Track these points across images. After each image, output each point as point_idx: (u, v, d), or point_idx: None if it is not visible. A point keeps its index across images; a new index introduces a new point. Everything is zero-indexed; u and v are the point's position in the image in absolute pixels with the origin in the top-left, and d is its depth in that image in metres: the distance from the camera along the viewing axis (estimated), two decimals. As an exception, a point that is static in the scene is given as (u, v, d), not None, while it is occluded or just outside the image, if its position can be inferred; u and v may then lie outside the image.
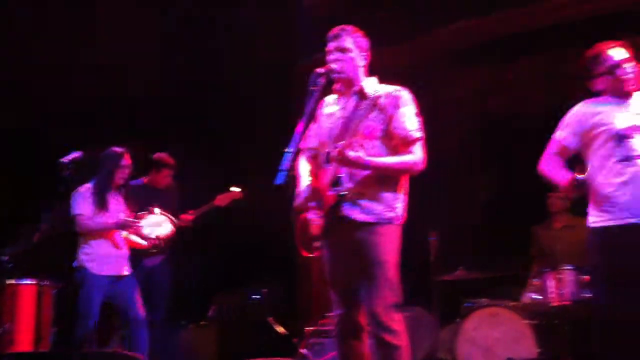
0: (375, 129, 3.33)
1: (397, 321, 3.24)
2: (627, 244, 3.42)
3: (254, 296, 5.88)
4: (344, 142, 3.17)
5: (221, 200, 5.64)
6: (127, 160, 5.15)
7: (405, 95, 3.38)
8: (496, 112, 6.31)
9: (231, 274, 6.23)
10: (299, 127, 3.21)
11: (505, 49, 5.98)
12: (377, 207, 3.30)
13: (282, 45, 6.16)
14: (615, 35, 4.05)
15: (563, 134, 3.64)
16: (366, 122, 3.31)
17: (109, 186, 5.13)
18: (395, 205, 3.34)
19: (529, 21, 5.77)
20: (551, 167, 3.67)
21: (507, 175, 6.16)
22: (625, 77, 3.50)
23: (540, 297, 5.17)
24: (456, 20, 5.85)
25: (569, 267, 5.14)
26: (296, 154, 3.19)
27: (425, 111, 3.41)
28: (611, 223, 3.49)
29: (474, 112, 6.45)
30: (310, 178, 3.46)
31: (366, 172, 3.31)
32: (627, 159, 3.44)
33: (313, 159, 3.59)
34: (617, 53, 3.54)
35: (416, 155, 3.31)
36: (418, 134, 3.32)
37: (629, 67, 3.51)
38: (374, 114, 3.33)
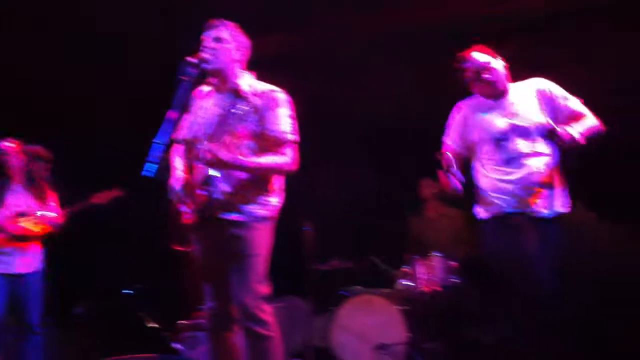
0: (249, 129, 3.27)
1: (267, 312, 3.25)
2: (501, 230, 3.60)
3: (125, 291, 5.69)
4: (217, 143, 3.08)
5: (99, 197, 5.42)
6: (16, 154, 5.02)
7: (280, 96, 3.33)
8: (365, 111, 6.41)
9: (101, 268, 5.99)
10: (169, 117, 3.10)
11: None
12: (248, 207, 3.27)
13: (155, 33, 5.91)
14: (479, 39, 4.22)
15: (450, 139, 3.79)
16: (240, 122, 3.26)
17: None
18: (268, 203, 3.32)
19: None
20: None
21: (380, 167, 6.28)
22: (491, 79, 3.61)
23: (411, 284, 5.32)
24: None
25: (438, 254, 5.33)
26: (166, 145, 3.07)
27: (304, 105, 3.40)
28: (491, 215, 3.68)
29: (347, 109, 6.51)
30: (183, 171, 3.37)
31: (238, 172, 3.26)
32: (507, 161, 3.58)
33: (187, 152, 3.49)
34: (480, 57, 3.65)
35: (288, 157, 3.28)
36: (291, 137, 3.28)
37: (493, 69, 3.63)
38: (248, 114, 3.27)
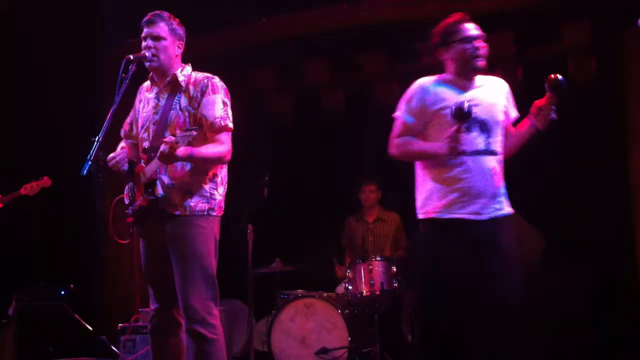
0: (188, 119, 3.25)
1: (213, 315, 3.22)
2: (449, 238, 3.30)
3: (59, 292, 5.55)
4: (171, 138, 3.04)
5: (28, 189, 5.30)
6: None
7: (215, 82, 3.32)
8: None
9: (34, 268, 5.84)
10: (109, 115, 3.07)
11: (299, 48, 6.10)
12: (191, 200, 3.24)
13: (90, 28, 5.83)
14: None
15: (406, 115, 3.39)
16: (179, 113, 3.24)
17: None
18: (211, 197, 3.29)
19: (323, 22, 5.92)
20: (409, 146, 3.39)
21: (320, 168, 6.31)
22: (477, 51, 3.32)
23: (352, 288, 5.36)
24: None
25: (379, 259, 5.38)
26: (104, 143, 3.03)
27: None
28: (439, 215, 3.31)
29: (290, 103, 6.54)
30: (127, 167, 3.32)
31: (179, 164, 3.23)
32: (462, 152, 3.26)
33: (132, 149, 3.48)
34: (474, 28, 3.38)
35: (224, 145, 3.25)
36: (224, 122, 3.25)
37: (482, 43, 3.35)
38: (184, 104, 3.26)
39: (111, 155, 3.31)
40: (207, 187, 3.28)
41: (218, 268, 3.30)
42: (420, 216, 3.41)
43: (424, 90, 3.37)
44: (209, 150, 3.22)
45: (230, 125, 3.28)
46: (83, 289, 5.71)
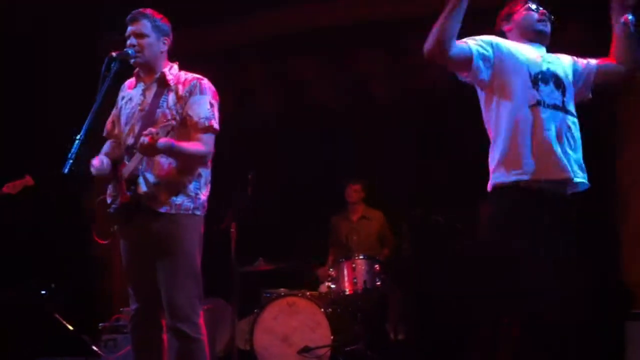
0: (175, 117, 3.23)
1: (198, 314, 3.21)
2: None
3: (41, 291, 5.50)
4: (152, 130, 3.03)
5: (10, 188, 5.24)
6: None
7: (204, 83, 3.31)
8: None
9: (16, 266, 5.78)
10: (91, 113, 3.04)
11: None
12: (177, 199, 3.22)
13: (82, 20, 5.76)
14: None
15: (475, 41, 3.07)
16: (166, 111, 3.23)
17: None
18: (196, 195, 3.28)
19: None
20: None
21: (306, 167, 6.30)
22: (540, 15, 3.19)
23: (335, 286, 5.36)
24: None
25: (362, 257, 5.39)
26: (86, 141, 3.00)
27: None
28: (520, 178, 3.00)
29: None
30: (110, 166, 3.31)
31: (166, 163, 3.22)
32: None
33: (115, 147, 3.46)
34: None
35: (207, 145, 3.25)
36: (209, 123, 3.24)
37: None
38: (172, 102, 3.25)
39: (95, 162, 3.28)
40: (191, 186, 3.27)
41: (201, 266, 3.29)
42: None
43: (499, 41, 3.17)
44: (189, 146, 3.21)
45: (216, 126, 3.28)
46: (66, 288, 5.66)
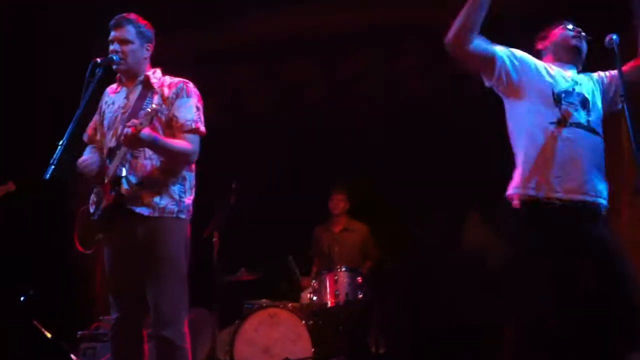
0: (158, 121, 3.23)
1: (182, 323, 3.20)
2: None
3: (20, 297, 5.45)
4: (134, 121, 3.02)
5: None
6: None
7: (190, 87, 3.33)
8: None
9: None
10: (74, 119, 3.03)
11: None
12: (161, 201, 3.21)
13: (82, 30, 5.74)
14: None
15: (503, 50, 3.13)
16: (143, 113, 3.20)
17: None
18: (180, 199, 3.27)
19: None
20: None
21: (289, 177, 6.30)
22: (575, 32, 3.27)
23: (317, 298, 5.35)
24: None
25: (344, 269, 5.39)
26: (69, 147, 2.99)
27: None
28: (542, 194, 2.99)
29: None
30: (98, 164, 3.31)
31: (149, 164, 3.21)
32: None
33: (96, 153, 3.43)
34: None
35: (192, 145, 3.24)
36: (195, 125, 3.25)
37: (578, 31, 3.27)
38: (157, 104, 3.24)
39: (83, 158, 3.29)
40: (175, 188, 3.26)
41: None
42: None
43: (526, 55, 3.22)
44: (175, 142, 3.21)
45: (202, 128, 3.29)
46: (46, 295, 5.61)
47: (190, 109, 3.26)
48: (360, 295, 5.31)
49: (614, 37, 3.05)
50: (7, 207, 5.29)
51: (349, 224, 6.10)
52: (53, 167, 2.85)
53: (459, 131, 5.73)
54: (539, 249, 2.91)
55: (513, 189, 3.06)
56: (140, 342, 3.28)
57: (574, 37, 3.23)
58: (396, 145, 6.14)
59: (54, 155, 2.91)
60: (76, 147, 3.32)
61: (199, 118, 3.28)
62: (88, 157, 3.31)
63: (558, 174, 2.96)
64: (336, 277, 5.33)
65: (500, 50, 3.10)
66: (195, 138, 3.26)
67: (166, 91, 3.28)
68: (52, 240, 5.57)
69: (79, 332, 4.93)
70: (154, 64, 3.41)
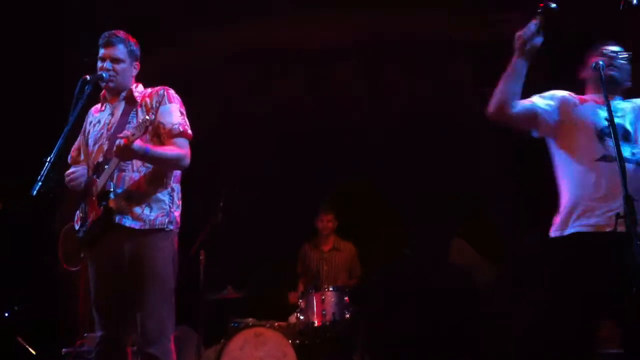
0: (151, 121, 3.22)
1: (169, 339, 3.18)
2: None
3: (4, 313, 5.40)
4: (126, 132, 3.03)
5: None
6: None
7: (171, 93, 3.35)
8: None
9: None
10: (62, 135, 3.03)
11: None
12: (151, 213, 3.21)
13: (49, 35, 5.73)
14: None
15: (539, 98, 3.20)
16: (135, 124, 3.19)
17: None
18: (169, 208, 3.27)
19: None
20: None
21: (276, 194, 6.30)
22: (611, 61, 3.20)
23: (304, 318, 5.33)
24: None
25: (332, 289, 5.38)
26: (55, 163, 2.98)
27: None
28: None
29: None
30: (80, 185, 3.30)
31: (136, 176, 3.21)
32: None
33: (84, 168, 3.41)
34: (614, 45, 3.28)
35: (182, 149, 3.25)
36: (183, 128, 3.27)
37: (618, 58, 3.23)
38: (142, 115, 3.25)
39: (70, 170, 3.30)
40: (165, 199, 3.26)
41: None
42: None
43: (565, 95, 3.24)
44: (165, 150, 3.22)
45: (189, 131, 3.30)
46: (29, 311, 5.56)
47: (175, 114, 3.28)
48: (347, 315, 5.30)
49: (601, 62, 3.09)
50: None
51: (337, 243, 6.10)
52: (40, 183, 2.85)
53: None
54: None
55: (559, 225, 3.08)
56: (124, 358, 3.26)
57: (608, 65, 3.17)
58: (388, 157, 6.16)
59: (42, 171, 2.91)
60: (64, 163, 3.32)
61: (185, 121, 3.30)
62: (75, 169, 3.31)
63: (608, 209, 2.97)
64: (323, 297, 5.31)
65: (539, 102, 3.17)
66: (184, 142, 3.27)
67: (148, 101, 3.30)
68: (38, 256, 5.54)
69: (63, 349, 4.89)
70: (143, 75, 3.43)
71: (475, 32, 5.57)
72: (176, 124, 3.25)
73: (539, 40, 3.03)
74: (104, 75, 3.26)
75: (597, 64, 3.08)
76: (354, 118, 6.29)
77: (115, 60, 3.29)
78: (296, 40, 5.86)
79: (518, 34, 3.04)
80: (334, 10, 5.57)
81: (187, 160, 3.27)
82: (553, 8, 3.00)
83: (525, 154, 4.27)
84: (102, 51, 3.32)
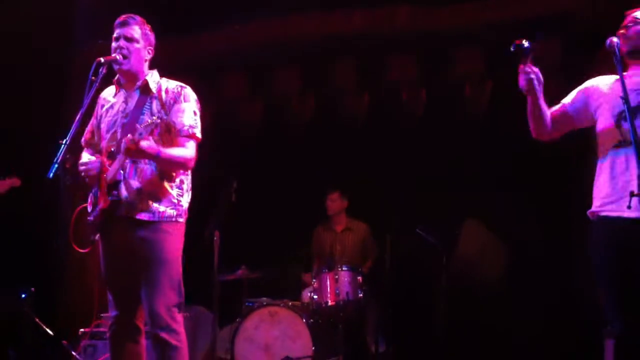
0: (157, 124, 3.22)
1: (177, 322, 3.21)
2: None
3: (20, 295, 5.45)
4: (135, 132, 3.03)
5: None
6: None
7: (187, 91, 3.34)
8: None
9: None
10: (77, 118, 3.03)
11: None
12: (159, 205, 3.22)
13: (60, 29, 5.75)
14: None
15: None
16: (148, 117, 3.22)
17: None
18: (178, 202, 3.29)
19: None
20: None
21: (289, 176, 6.31)
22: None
23: (317, 297, 5.36)
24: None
25: (345, 268, 5.40)
26: (71, 146, 2.99)
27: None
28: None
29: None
30: (99, 164, 3.28)
31: (148, 169, 3.23)
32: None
33: (97, 156, 3.41)
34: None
35: (189, 150, 3.26)
36: (193, 131, 3.27)
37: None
38: (156, 109, 3.26)
39: (83, 161, 3.29)
40: (174, 193, 3.28)
41: (184, 274, 3.29)
42: None
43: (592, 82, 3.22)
44: (174, 152, 3.23)
45: (199, 135, 3.30)
46: (46, 293, 5.62)
47: (189, 115, 3.28)
48: (361, 295, 5.32)
49: (615, 40, 2.97)
50: (9, 202, 5.29)
51: (350, 223, 6.11)
52: (56, 165, 2.86)
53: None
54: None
55: (594, 207, 3.11)
56: (138, 339, 3.31)
57: (628, 37, 3.05)
58: (393, 146, 6.15)
59: (57, 154, 2.92)
60: (78, 146, 3.33)
61: (196, 123, 3.30)
62: (88, 160, 3.31)
63: (620, 195, 2.95)
64: (337, 276, 5.33)
65: (567, 101, 3.21)
66: (192, 144, 3.28)
67: (164, 96, 3.29)
68: (53, 237, 5.58)
69: (80, 330, 4.95)
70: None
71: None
72: (187, 126, 3.25)
73: (537, 74, 3.01)
74: (117, 57, 3.23)
75: (611, 42, 2.96)
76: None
77: (130, 40, 3.27)
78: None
79: (520, 85, 3.03)
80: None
81: (192, 163, 3.29)
82: (526, 47, 2.94)
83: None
84: (117, 31, 3.30)
